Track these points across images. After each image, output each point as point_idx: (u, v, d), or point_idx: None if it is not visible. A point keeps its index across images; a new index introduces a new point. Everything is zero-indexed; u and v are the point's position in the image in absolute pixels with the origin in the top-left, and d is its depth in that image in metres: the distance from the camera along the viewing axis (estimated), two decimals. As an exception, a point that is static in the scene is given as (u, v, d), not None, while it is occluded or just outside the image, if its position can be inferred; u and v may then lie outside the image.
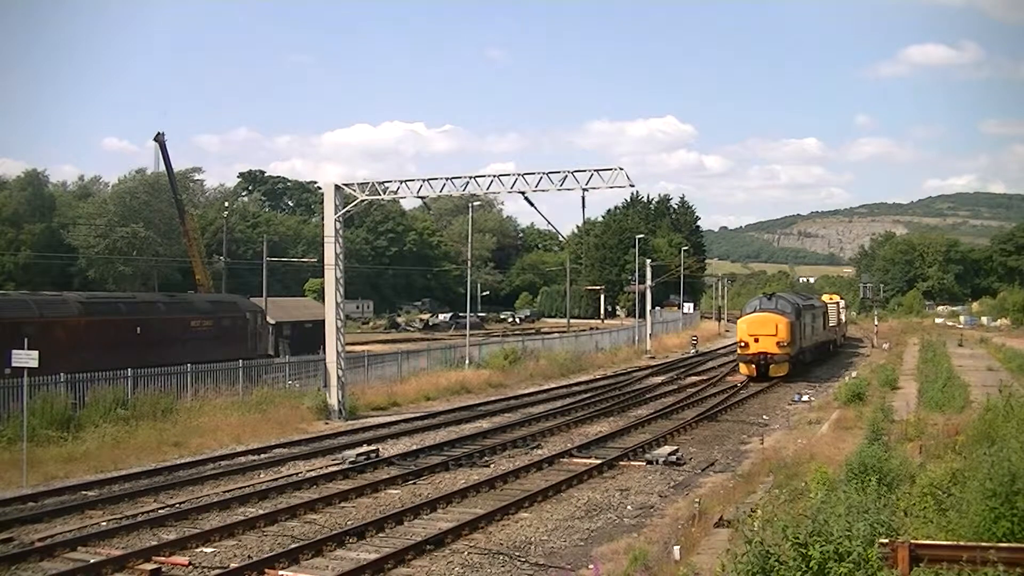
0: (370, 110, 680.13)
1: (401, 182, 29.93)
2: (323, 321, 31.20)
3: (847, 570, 8.29)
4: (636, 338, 63.84)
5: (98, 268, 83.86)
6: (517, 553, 14.57)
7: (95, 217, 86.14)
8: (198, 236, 58.69)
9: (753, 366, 39.94)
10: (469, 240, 60.46)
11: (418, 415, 30.37)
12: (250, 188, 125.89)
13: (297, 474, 20.81)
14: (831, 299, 66.11)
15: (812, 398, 35.01)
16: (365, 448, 22.77)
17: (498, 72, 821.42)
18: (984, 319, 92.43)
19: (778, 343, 39.55)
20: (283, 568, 13.36)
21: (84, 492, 18.58)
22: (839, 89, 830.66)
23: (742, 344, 40.57)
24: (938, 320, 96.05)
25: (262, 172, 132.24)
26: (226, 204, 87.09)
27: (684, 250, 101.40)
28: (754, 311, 42.17)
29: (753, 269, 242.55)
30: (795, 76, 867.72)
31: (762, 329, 39.83)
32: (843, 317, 65.73)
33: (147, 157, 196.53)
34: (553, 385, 40.41)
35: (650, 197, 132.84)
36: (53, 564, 13.78)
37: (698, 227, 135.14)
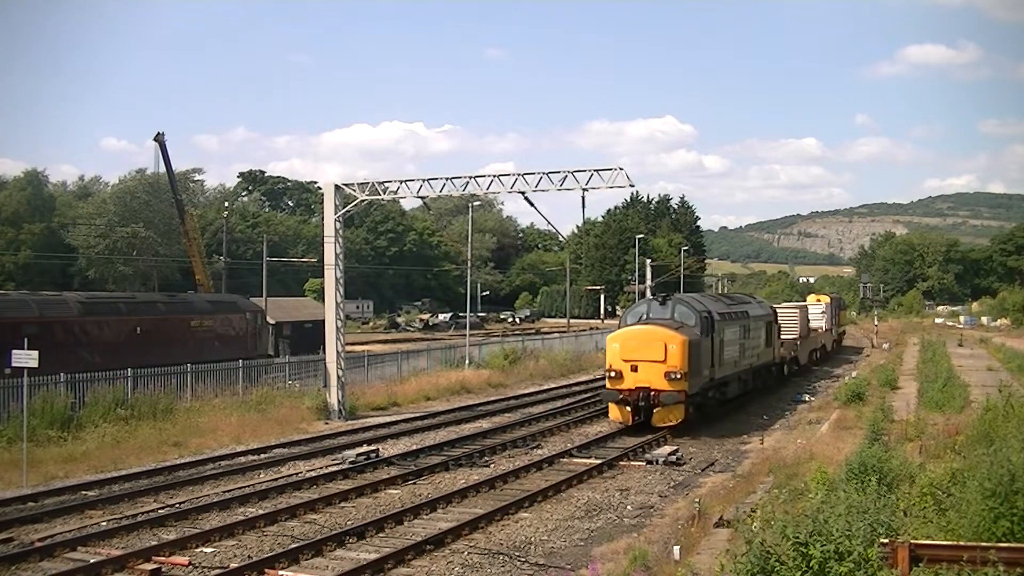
0: (369, 110, 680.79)
1: (401, 182, 29.93)
2: (323, 321, 31.19)
3: (847, 570, 8.30)
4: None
5: (98, 268, 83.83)
6: (517, 553, 14.56)
7: (95, 217, 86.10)
8: (198, 236, 58.66)
9: (628, 409, 25.79)
10: (469, 240, 60.42)
11: (418, 415, 30.37)
12: (250, 188, 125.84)
13: (297, 474, 20.80)
14: (818, 300, 57.72)
15: (812, 398, 35.01)
16: (365, 448, 22.76)
17: (497, 72, 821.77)
18: (984, 319, 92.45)
19: (668, 374, 24.79)
20: (283, 568, 13.36)
21: (84, 492, 18.58)
22: (838, 89, 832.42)
23: (612, 374, 25.76)
24: (938, 320, 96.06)
25: (262, 172, 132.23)
26: (226, 204, 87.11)
27: (684, 250, 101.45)
28: (636, 323, 27.21)
29: (753, 269, 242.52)
30: (794, 76, 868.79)
31: (643, 351, 25.25)
32: (827, 324, 52.74)
33: (146, 157, 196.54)
34: (553, 385, 40.40)
35: (650, 197, 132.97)
36: (53, 564, 13.78)
37: (698, 227, 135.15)
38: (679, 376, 24.75)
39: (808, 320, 46.03)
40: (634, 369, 25.26)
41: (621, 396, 25.44)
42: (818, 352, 49.60)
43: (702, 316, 26.81)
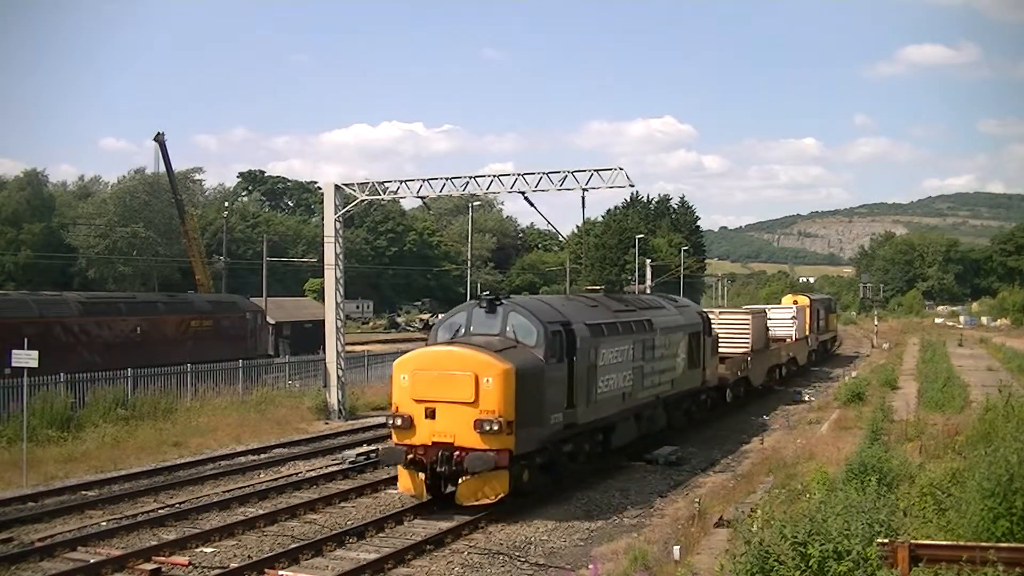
0: (368, 110, 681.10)
1: (401, 182, 29.94)
2: (323, 321, 31.21)
3: (846, 569, 8.31)
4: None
5: (98, 268, 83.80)
6: (517, 553, 14.58)
7: (95, 217, 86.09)
8: (198, 236, 58.65)
9: (421, 476, 16.92)
10: (469, 240, 60.48)
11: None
12: (250, 188, 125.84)
13: (297, 474, 20.82)
14: (794, 301, 48.19)
15: (812, 398, 35.01)
16: (365, 448, 22.76)
17: (495, 72, 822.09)
18: (984, 319, 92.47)
19: (481, 423, 16.07)
20: (283, 568, 13.37)
21: (84, 492, 18.59)
22: (838, 89, 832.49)
23: (398, 421, 16.94)
24: (938, 320, 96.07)
25: (262, 172, 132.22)
26: (226, 204, 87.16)
27: (684, 250, 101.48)
28: (447, 341, 17.90)
29: (753, 269, 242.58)
30: (794, 76, 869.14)
31: (443, 387, 16.49)
32: (799, 332, 43.23)
33: (146, 157, 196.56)
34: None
35: (650, 197, 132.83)
36: (53, 564, 13.79)
37: (698, 227, 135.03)
38: (497, 426, 15.63)
39: (767, 329, 36.68)
40: (430, 414, 16.25)
41: (411, 456, 16.47)
42: (782, 369, 39.31)
43: (550, 331, 17.36)
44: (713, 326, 29.27)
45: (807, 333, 45.07)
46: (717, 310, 35.32)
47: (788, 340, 41.13)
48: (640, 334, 21.78)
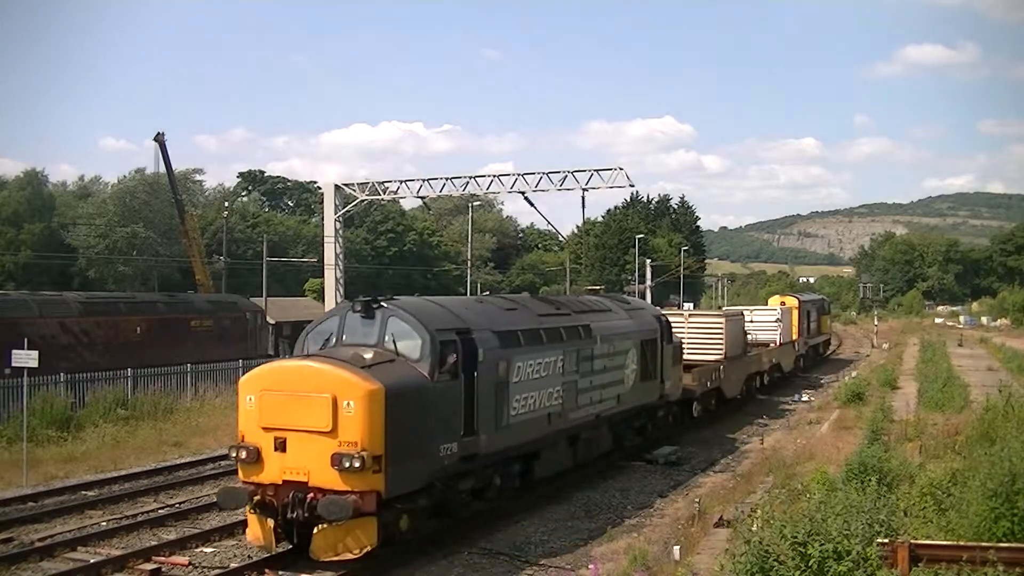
0: (368, 110, 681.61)
1: (401, 182, 30.01)
2: (323, 321, 31.09)
3: (846, 569, 8.31)
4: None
5: (98, 268, 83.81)
6: (517, 553, 14.57)
7: (95, 217, 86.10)
8: (198, 236, 58.64)
9: (270, 523, 13.32)
10: (469, 240, 60.48)
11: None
12: (249, 188, 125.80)
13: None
14: (782, 302, 44.70)
15: (812, 398, 35.01)
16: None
17: (495, 72, 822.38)
18: (984, 319, 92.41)
19: (340, 458, 12.55)
20: (283, 568, 13.35)
21: (84, 492, 18.58)
22: (837, 89, 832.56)
23: (243, 452, 13.38)
24: (938, 320, 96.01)
25: (262, 172, 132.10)
26: (226, 204, 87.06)
27: (684, 250, 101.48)
28: (301, 356, 14.42)
29: (753, 269, 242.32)
30: (793, 76, 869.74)
31: (293, 411, 13.01)
32: (784, 336, 39.76)
33: (146, 157, 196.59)
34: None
35: (650, 197, 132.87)
36: (53, 564, 13.78)
37: (698, 227, 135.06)
38: (359, 462, 12.42)
39: (744, 333, 33.14)
40: (280, 446, 13.03)
41: (258, 497, 13.22)
42: (763, 377, 35.69)
43: (438, 340, 14.06)
44: (678, 331, 27.23)
45: (794, 337, 41.88)
46: (686, 313, 32.22)
47: (772, 345, 37.64)
48: (573, 342, 18.27)
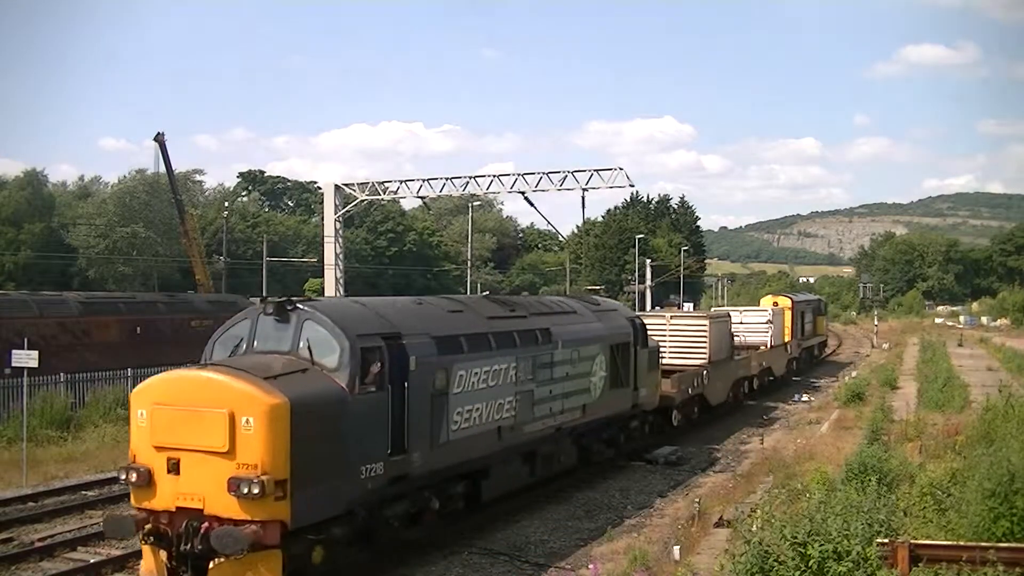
0: (368, 110, 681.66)
1: (401, 182, 30.02)
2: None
3: (846, 569, 8.32)
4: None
5: (98, 268, 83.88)
6: (517, 553, 14.58)
7: (95, 217, 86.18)
8: (198, 236, 58.61)
9: (162, 553, 11.56)
10: (469, 240, 60.50)
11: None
12: (249, 188, 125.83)
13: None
14: (775, 303, 42.56)
15: (812, 398, 35.01)
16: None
17: (495, 72, 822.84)
18: (984, 319, 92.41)
19: (237, 483, 10.93)
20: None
21: (84, 492, 18.59)
22: (837, 89, 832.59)
23: (134, 475, 11.72)
24: (938, 320, 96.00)
25: (262, 172, 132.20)
26: (226, 204, 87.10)
27: (684, 250, 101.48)
28: (199, 366, 12.55)
29: (753, 269, 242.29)
30: (793, 76, 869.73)
31: (187, 429, 11.35)
32: (776, 338, 37.90)
33: (145, 157, 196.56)
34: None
35: (650, 197, 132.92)
36: (53, 564, 13.80)
37: (698, 227, 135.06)
38: (259, 488, 10.91)
39: (731, 336, 30.93)
40: (173, 468, 11.51)
41: (149, 526, 11.62)
42: (752, 382, 33.56)
43: (359, 347, 12.51)
44: (659, 334, 26.27)
45: (787, 339, 39.92)
46: (667, 315, 30.25)
47: (762, 348, 35.84)
48: (529, 348, 16.67)
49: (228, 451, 11.05)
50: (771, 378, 36.63)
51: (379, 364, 12.69)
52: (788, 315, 41.17)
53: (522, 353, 16.39)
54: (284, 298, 13.15)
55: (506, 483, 16.50)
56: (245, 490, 10.85)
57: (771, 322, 37.37)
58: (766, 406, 32.88)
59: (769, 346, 36.53)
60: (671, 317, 29.46)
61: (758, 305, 45.69)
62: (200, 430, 11.19)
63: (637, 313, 27.58)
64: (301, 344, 12.48)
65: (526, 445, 16.81)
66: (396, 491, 13.18)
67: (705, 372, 27.31)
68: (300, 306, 12.88)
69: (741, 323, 34.76)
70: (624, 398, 20.92)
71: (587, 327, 19.62)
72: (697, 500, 16.18)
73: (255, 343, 12.84)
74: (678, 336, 28.17)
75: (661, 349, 25.38)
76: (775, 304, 42.14)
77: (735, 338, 31.88)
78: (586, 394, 18.86)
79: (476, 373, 14.90)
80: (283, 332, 12.74)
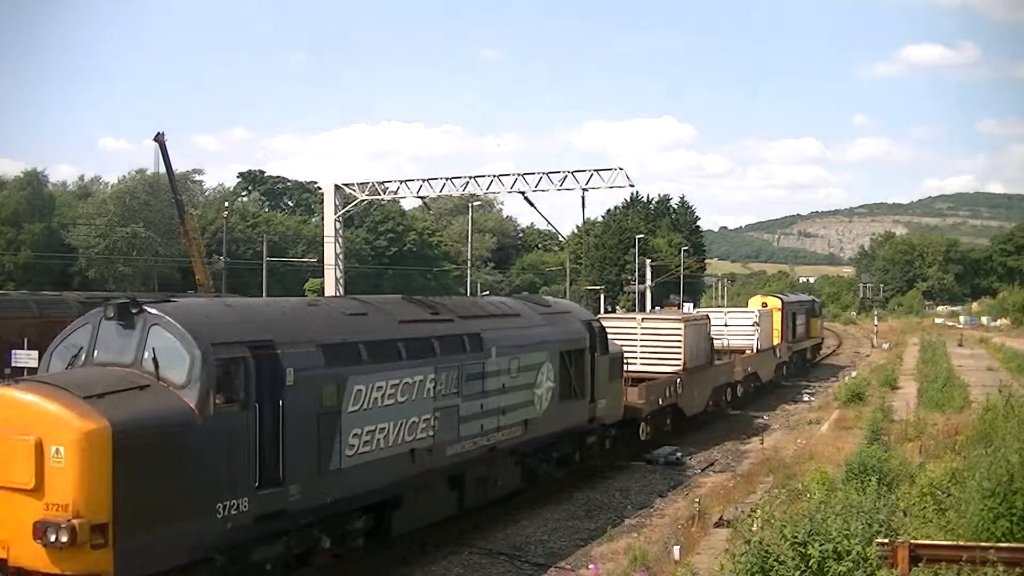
0: (368, 110, 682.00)
1: (401, 182, 30.04)
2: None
3: (846, 569, 8.32)
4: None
5: (98, 268, 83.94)
6: (517, 553, 14.59)
7: (95, 217, 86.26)
8: (198, 236, 58.64)
9: None
10: (469, 240, 60.52)
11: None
12: (249, 188, 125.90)
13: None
14: (763, 304, 40.57)
15: (812, 398, 35.02)
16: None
17: (495, 72, 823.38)
18: (984, 319, 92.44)
19: (46, 526, 9.08)
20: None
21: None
22: (837, 89, 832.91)
23: None
24: (938, 320, 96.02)
25: (262, 172, 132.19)
26: (226, 204, 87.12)
27: (684, 250, 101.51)
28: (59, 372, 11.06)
29: (753, 269, 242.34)
30: (793, 76, 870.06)
31: None
32: (764, 341, 35.66)
33: (144, 156, 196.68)
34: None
35: (650, 197, 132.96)
36: None
37: (698, 227, 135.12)
38: (68, 535, 9.05)
39: (710, 340, 28.91)
40: None
41: None
42: (736, 388, 31.41)
43: (215, 358, 10.56)
44: (629, 339, 24.98)
45: (775, 342, 37.87)
46: (639, 318, 27.76)
47: (748, 352, 33.75)
48: (453, 357, 14.59)
49: (35, 488, 9.19)
50: (757, 384, 34.71)
51: (242, 378, 10.69)
52: (777, 316, 39.27)
53: (444, 363, 14.24)
54: (129, 300, 11.18)
55: (425, 513, 14.40)
56: (52, 537, 8.93)
57: (758, 324, 35.05)
58: (767, 406, 32.86)
59: (755, 350, 34.45)
60: (642, 320, 27.19)
61: (745, 306, 43.72)
62: (2, 462, 9.31)
63: (598, 315, 26.20)
64: (146, 355, 10.52)
65: (450, 468, 14.68)
66: (269, 530, 11.01)
67: (679, 380, 25.10)
68: (147, 308, 10.94)
69: (726, 325, 33.44)
70: (578, 411, 18.83)
71: (530, 332, 17.45)
72: (697, 500, 16.18)
73: (95, 353, 10.83)
74: (650, 341, 25.93)
75: (632, 355, 24.10)
76: (764, 305, 40.12)
77: (719, 341, 30.54)
78: (529, 408, 16.80)
79: (380, 387, 12.76)
80: (127, 340, 10.74)
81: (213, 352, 10.45)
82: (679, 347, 25.74)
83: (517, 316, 17.63)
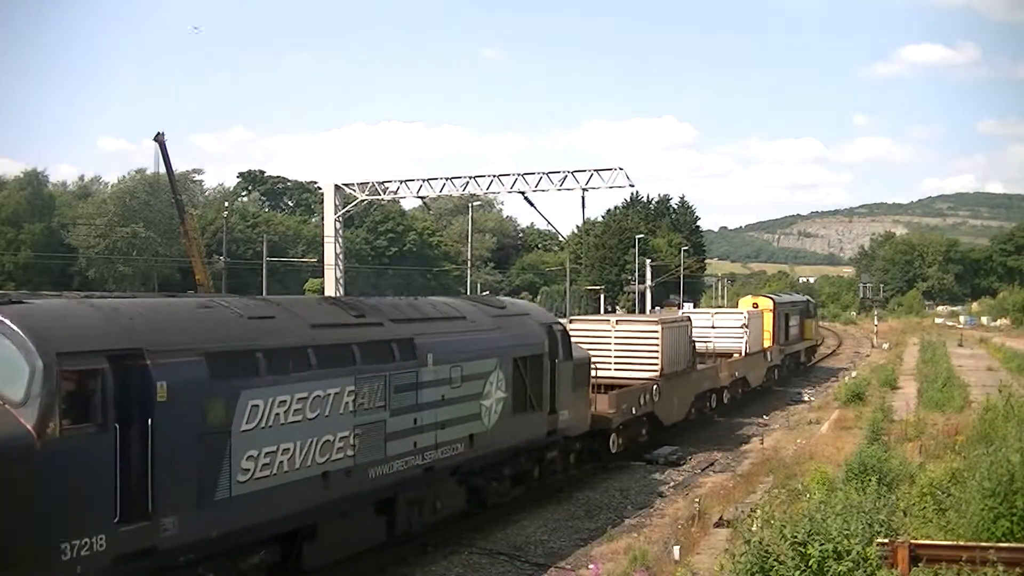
0: (368, 110, 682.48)
1: (401, 182, 30.05)
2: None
3: (846, 569, 8.32)
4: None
5: (98, 268, 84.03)
6: (517, 553, 14.59)
7: (95, 217, 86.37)
8: (198, 236, 58.65)
9: None
10: (469, 240, 60.54)
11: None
12: (249, 188, 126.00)
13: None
14: (754, 304, 38.87)
15: (812, 398, 35.03)
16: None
17: (495, 72, 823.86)
18: (984, 319, 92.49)
19: None
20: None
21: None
22: (837, 89, 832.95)
23: None
24: (938, 320, 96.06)
25: (262, 172, 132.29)
26: (226, 204, 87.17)
27: (684, 250, 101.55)
28: None
29: (753, 269, 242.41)
30: (793, 76, 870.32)
31: None
32: (753, 344, 34.03)
33: (144, 156, 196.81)
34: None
35: (650, 197, 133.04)
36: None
37: (698, 227, 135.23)
38: None
39: (691, 343, 26.92)
40: None
41: None
42: (722, 394, 29.93)
43: (56, 370, 8.80)
44: (602, 343, 23.67)
45: (766, 345, 36.32)
46: (613, 319, 25.89)
47: (736, 355, 32.22)
48: (379, 365, 12.80)
49: None
50: (745, 389, 33.09)
51: (99, 393, 9.09)
52: (769, 318, 37.53)
53: (366, 372, 12.48)
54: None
55: (346, 543, 12.65)
56: None
57: (746, 326, 33.26)
58: (767, 406, 32.84)
59: (744, 353, 32.81)
60: (616, 322, 25.29)
61: (735, 307, 42.13)
62: None
63: (571, 317, 24.49)
64: None
65: (376, 492, 12.90)
66: (135, 571, 9.38)
67: (655, 387, 23.38)
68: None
69: (713, 327, 32.16)
70: (535, 423, 17.16)
71: (477, 336, 15.77)
72: (697, 500, 16.19)
73: None
74: (625, 345, 24.27)
75: (605, 360, 22.98)
76: (754, 306, 38.26)
77: (705, 344, 29.34)
78: (474, 422, 15.10)
79: (284, 402, 11.05)
80: None
81: (59, 363, 8.72)
82: (656, 351, 24.12)
83: (462, 319, 15.89)
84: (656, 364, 24.02)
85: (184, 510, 9.71)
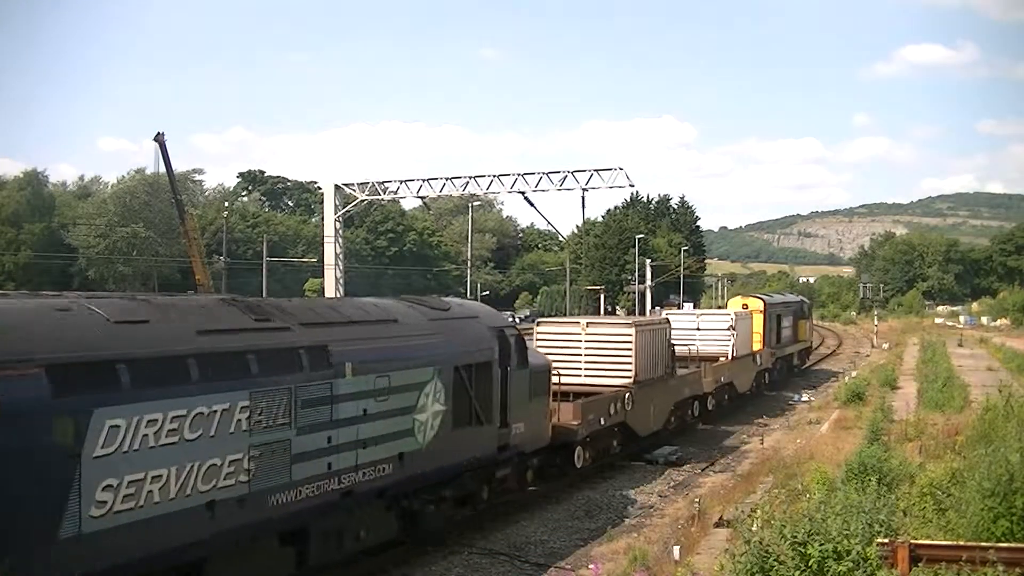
0: (368, 110, 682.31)
1: (401, 182, 30.06)
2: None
3: (846, 569, 8.32)
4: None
5: (98, 268, 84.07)
6: (517, 553, 14.59)
7: (95, 217, 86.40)
8: (198, 236, 58.70)
9: None
10: (469, 240, 60.53)
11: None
12: (249, 188, 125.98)
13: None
14: (744, 305, 36.93)
15: (812, 398, 35.03)
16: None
17: (495, 72, 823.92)
18: (984, 319, 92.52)
19: None
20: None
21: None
22: (837, 89, 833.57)
23: None
24: (938, 320, 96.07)
25: (262, 172, 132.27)
26: (226, 204, 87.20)
27: (684, 250, 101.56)
28: None
29: (753, 269, 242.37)
30: (793, 76, 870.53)
31: None
32: (743, 347, 32.39)
33: (144, 156, 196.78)
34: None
35: (650, 197, 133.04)
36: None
37: (698, 227, 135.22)
38: None
39: (670, 347, 25.09)
40: None
41: None
42: (706, 401, 27.88)
43: None
44: (571, 347, 22.14)
45: (756, 348, 34.35)
46: (583, 322, 23.73)
47: (722, 359, 30.34)
48: (280, 376, 11.08)
49: None
50: (732, 395, 31.25)
51: None
52: (759, 319, 35.56)
53: (265, 385, 10.74)
54: None
55: None
56: None
57: (733, 328, 31.31)
58: (767, 405, 32.81)
59: (731, 357, 30.95)
60: (587, 325, 23.37)
61: (724, 308, 39.63)
62: None
63: (541, 319, 23.58)
64: None
65: (280, 521, 11.11)
66: None
67: (628, 395, 21.44)
68: None
69: (698, 329, 30.52)
70: (483, 439, 15.29)
71: (410, 342, 13.76)
72: (697, 500, 16.18)
73: None
74: (597, 349, 22.48)
75: (575, 366, 21.63)
76: (744, 307, 36.30)
77: (690, 348, 28.10)
78: (406, 439, 13.20)
79: (154, 421, 9.36)
80: None
81: None
82: (629, 356, 22.23)
83: (393, 322, 13.86)
84: (630, 370, 22.17)
85: (20, 551, 8.15)
